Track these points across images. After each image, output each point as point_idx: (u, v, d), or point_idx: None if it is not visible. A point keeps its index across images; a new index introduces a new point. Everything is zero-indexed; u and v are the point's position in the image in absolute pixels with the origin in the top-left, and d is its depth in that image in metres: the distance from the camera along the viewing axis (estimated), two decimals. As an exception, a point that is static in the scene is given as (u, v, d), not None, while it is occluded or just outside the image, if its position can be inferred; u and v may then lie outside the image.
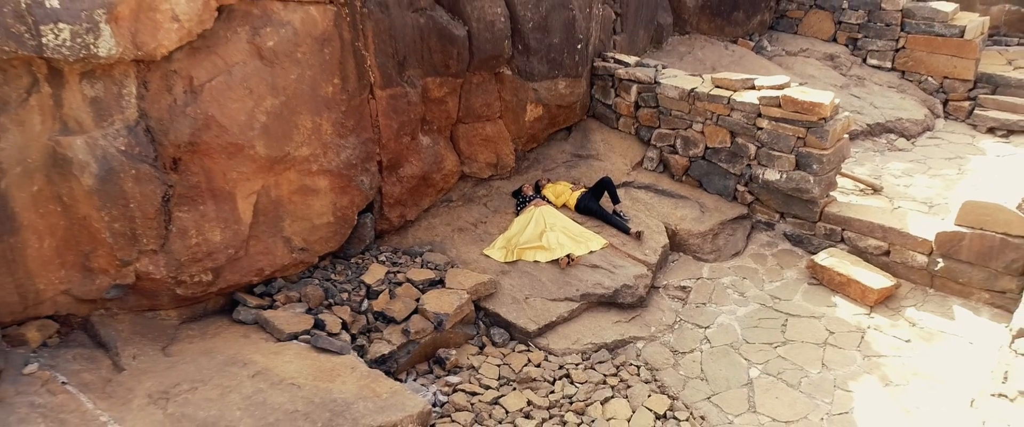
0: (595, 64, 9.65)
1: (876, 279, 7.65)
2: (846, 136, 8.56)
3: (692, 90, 8.80)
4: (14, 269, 5.56)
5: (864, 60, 12.51)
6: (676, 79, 9.14)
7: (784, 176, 8.40)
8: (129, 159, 5.75)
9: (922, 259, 7.71)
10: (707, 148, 8.94)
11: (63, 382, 5.50)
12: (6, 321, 5.67)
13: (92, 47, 5.28)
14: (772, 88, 8.41)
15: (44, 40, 5.08)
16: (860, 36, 12.51)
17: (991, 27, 13.48)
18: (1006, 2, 13.81)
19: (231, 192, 6.38)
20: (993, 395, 4.55)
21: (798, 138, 8.20)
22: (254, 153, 6.34)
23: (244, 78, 6.17)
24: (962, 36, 11.52)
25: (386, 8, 7.18)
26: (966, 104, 11.77)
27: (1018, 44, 13.65)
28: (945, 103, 11.99)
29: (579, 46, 8.89)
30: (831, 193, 8.59)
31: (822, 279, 7.96)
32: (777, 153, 8.37)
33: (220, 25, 6.05)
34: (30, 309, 5.79)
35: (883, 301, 7.62)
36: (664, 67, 9.58)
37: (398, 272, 7.44)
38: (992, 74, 11.68)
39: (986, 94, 11.64)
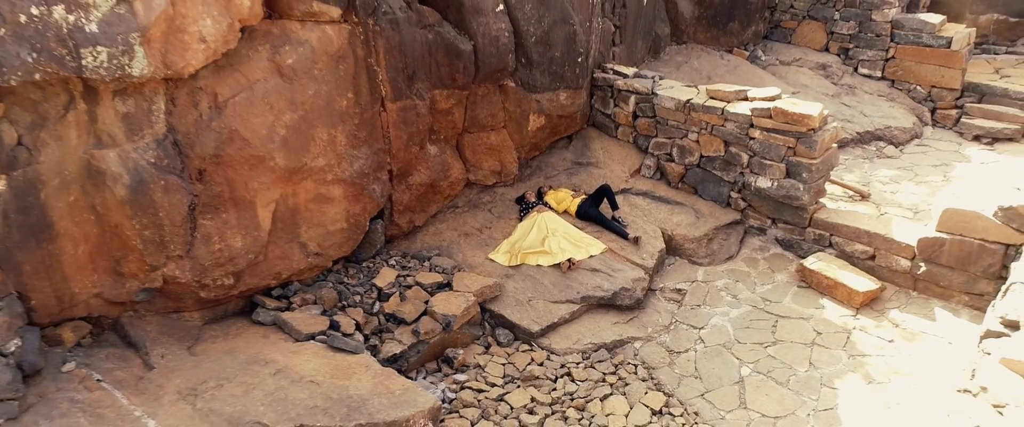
0: (595, 75, 10.04)
1: (862, 282, 8.05)
2: (835, 145, 8.96)
3: (688, 101, 9.20)
4: (52, 274, 5.94)
5: (855, 69, 12.91)
6: (672, 90, 9.53)
7: (775, 184, 8.80)
8: (158, 171, 6.14)
9: (905, 263, 8.10)
10: (702, 157, 9.34)
11: (98, 379, 5.89)
12: (44, 322, 6.05)
13: (127, 67, 5.65)
14: (764, 99, 8.80)
15: (83, 62, 5.46)
16: (851, 46, 12.91)
17: (980, 35, 13.91)
18: (994, 11, 14.23)
19: (252, 201, 6.76)
20: (959, 391, 4.95)
21: (788, 148, 8.59)
22: (274, 164, 6.73)
23: (265, 94, 6.56)
24: (949, 47, 11.92)
25: (397, 25, 7.56)
26: (953, 112, 12.17)
27: (1006, 52, 14.06)
28: (933, 111, 12.39)
29: (579, 59, 9.28)
30: (820, 200, 8.99)
31: (811, 282, 8.36)
32: (768, 162, 8.77)
33: (243, 44, 6.43)
34: (65, 311, 6.17)
35: (868, 303, 8.01)
36: (661, 78, 9.96)
37: (408, 275, 7.82)
38: (979, 83, 12.08)
39: (972, 103, 12.04)
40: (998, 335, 5.24)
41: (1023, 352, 4.78)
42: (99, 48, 5.48)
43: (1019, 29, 14.14)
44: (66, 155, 5.78)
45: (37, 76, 5.33)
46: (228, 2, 6.10)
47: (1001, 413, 4.51)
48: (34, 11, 5.20)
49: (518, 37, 8.65)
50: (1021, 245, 7.17)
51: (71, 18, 5.35)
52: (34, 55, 5.25)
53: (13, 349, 5.47)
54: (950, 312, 7.78)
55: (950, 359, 7.13)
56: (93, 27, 5.45)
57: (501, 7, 8.39)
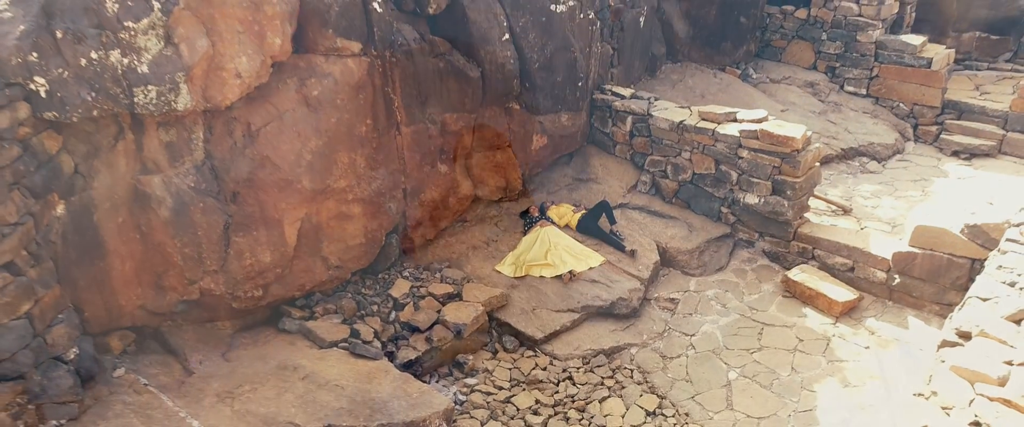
0: (594, 97, 10.66)
1: (841, 293, 8.67)
2: (818, 164, 9.59)
3: (681, 122, 9.82)
4: (102, 288, 6.57)
5: (841, 87, 13.53)
6: (667, 111, 10.15)
7: (762, 200, 9.43)
8: (197, 194, 6.76)
9: (881, 275, 8.73)
10: (694, 174, 9.97)
11: (145, 383, 6.52)
12: (95, 332, 6.67)
13: (172, 103, 6.29)
14: (751, 122, 9.42)
15: (136, 99, 6.09)
16: (838, 65, 13.53)
17: (962, 52, 14.53)
18: (977, 29, 14.84)
19: (280, 220, 7.38)
20: (915, 394, 5.57)
21: (774, 167, 9.22)
22: (301, 186, 7.35)
23: (293, 123, 7.18)
24: (929, 67, 12.56)
25: (411, 56, 8.19)
26: (934, 129, 12.80)
27: (988, 68, 14.67)
28: (915, 127, 13.00)
29: (580, 83, 9.91)
30: (804, 215, 9.61)
31: (794, 292, 8.98)
32: (756, 180, 9.40)
33: (273, 78, 7.06)
34: (113, 321, 6.80)
35: (847, 312, 8.63)
36: (656, 99, 10.57)
37: (421, 286, 8.42)
38: (958, 101, 12.70)
39: (952, 120, 12.67)
40: (952, 344, 5.86)
41: (971, 360, 5.41)
42: (149, 87, 6.12)
43: (1000, 46, 14.75)
44: (116, 181, 6.41)
45: (95, 112, 5.98)
46: (261, 41, 6.73)
47: (948, 414, 5.13)
48: (94, 55, 5.84)
49: (523, 64, 9.26)
50: (985, 259, 7.79)
51: (125, 61, 5.99)
52: (93, 94, 5.89)
53: (72, 357, 6.10)
54: (922, 321, 8.40)
55: (920, 365, 7.74)
56: (144, 68, 6.08)
57: (507, 36, 9.02)
